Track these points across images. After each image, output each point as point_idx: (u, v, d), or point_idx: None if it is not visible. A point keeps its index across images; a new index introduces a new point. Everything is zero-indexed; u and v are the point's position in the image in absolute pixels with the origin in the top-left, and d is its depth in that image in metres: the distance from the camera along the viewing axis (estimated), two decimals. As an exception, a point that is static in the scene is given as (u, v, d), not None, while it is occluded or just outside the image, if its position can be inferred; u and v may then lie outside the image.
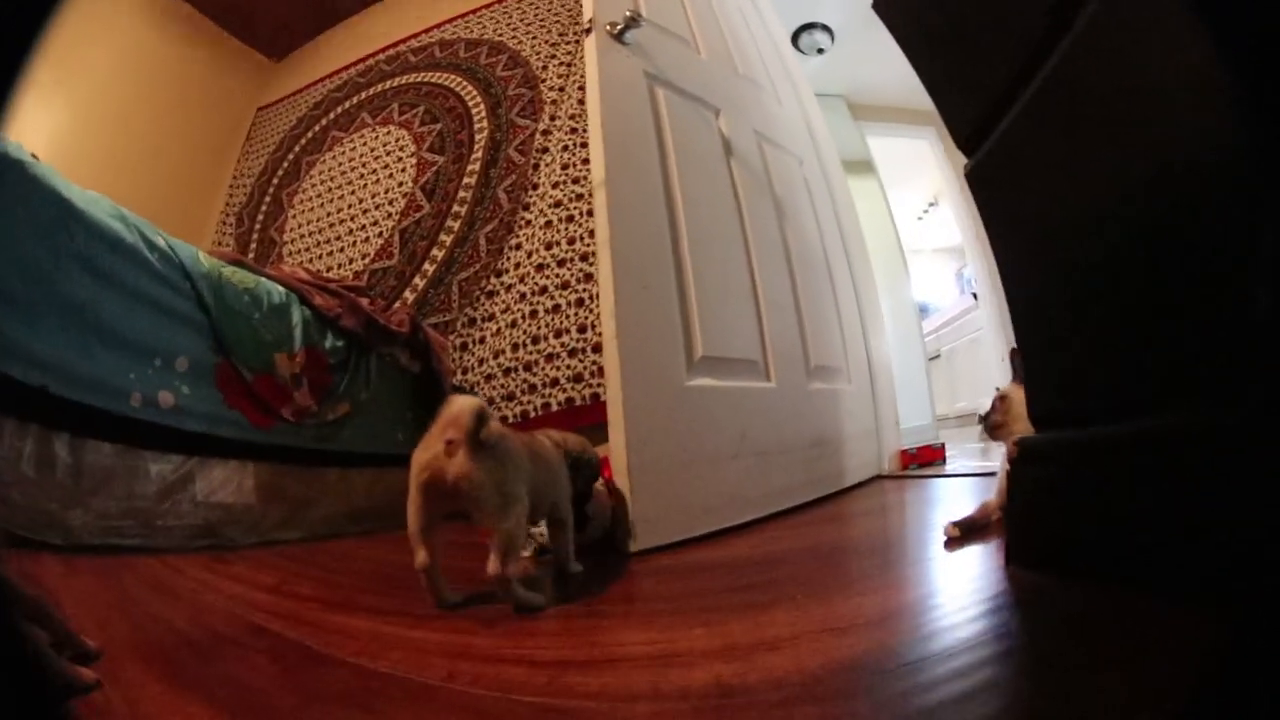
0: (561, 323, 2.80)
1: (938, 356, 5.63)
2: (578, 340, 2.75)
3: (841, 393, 2.45)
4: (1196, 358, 0.74)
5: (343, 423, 2.25)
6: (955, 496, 2.04)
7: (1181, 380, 0.77)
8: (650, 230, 1.82)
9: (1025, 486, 1.03)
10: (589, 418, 2.56)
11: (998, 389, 1.53)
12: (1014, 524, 1.07)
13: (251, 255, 3.88)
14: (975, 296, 5.02)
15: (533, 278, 2.93)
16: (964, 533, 1.30)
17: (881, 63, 4.42)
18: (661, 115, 2.01)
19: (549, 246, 2.95)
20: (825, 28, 4.16)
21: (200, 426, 1.79)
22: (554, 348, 2.78)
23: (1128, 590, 0.80)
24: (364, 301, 2.44)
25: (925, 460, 2.74)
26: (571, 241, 2.92)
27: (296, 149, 4.28)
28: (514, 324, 2.91)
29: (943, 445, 2.86)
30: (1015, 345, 1.37)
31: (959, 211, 4.87)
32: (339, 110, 4.26)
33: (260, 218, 4.16)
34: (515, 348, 2.87)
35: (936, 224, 6.90)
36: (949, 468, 2.66)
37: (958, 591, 1.03)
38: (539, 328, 2.83)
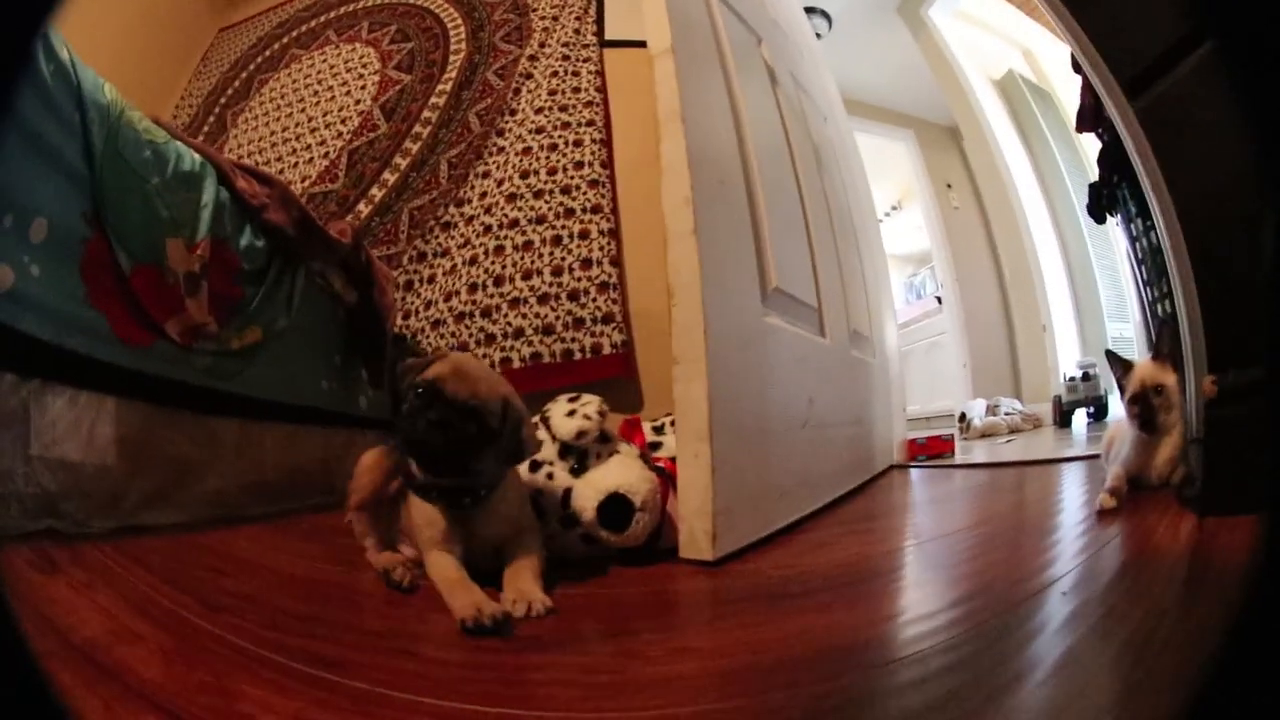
0: (533, 262, 2.26)
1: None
2: (550, 284, 2.21)
3: (871, 366, 2.06)
4: None
5: (250, 355, 1.52)
6: (1009, 486, 1.74)
7: None
8: (716, 120, 1.36)
9: (1229, 427, 0.91)
10: (564, 377, 2.05)
11: (1148, 385, 1.24)
12: (1217, 468, 0.95)
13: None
14: (940, 300, 4.74)
15: (501, 209, 2.39)
16: (1120, 502, 1.15)
17: (871, 61, 4.23)
18: (715, 16, 1.59)
19: (525, 175, 2.42)
20: (825, 14, 3.88)
21: (45, 331, 1.05)
22: (520, 291, 2.23)
23: None
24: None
25: (934, 452, 2.40)
26: (553, 172, 2.39)
27: (251, 67, 3.59)
28: (473, 260, 2.35)
29: (951, 436, 2.52)
30: (1163, 317, 1.37)
31: (929, 216, 4.62)
32: (303, 29, 3.61)
33: (199, 139, 3.45)
34: (473, 289, 2.30)
35: (896, 228, 6.63)
36: (959, 459, 2.38)
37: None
38: (504, 266, 2.28)
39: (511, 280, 2.28)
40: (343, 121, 3.04)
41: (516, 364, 2.16)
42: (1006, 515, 1.43)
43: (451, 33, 3.07)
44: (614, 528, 1.03)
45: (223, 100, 3.60)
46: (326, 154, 2.98)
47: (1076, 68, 1.96)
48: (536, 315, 2.20)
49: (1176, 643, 0.58)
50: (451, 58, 2.96)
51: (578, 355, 2.11)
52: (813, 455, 1.46)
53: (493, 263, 2.32)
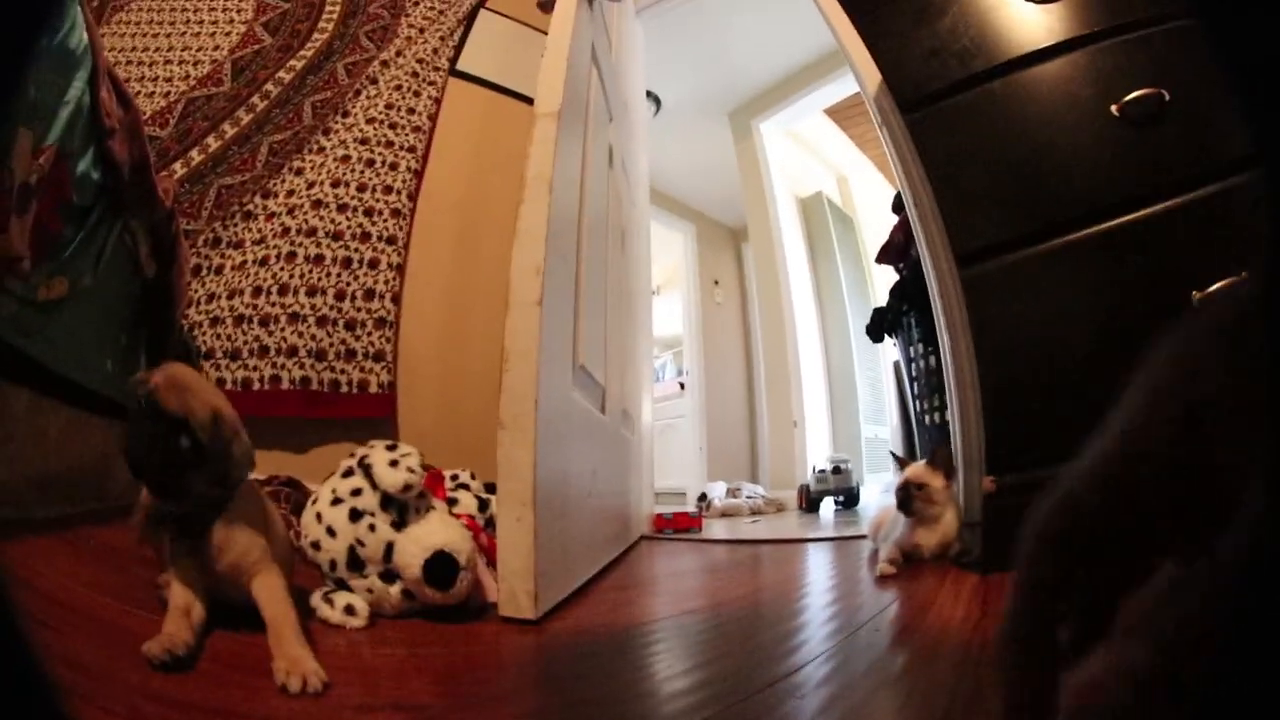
0: (320, 279, 2.10)
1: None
2: (332, 307, 2.07)
3: (632, 442, 2.16)
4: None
5: (52, 310, 1.22)
6: (770, 559, 1.89)
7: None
8: (569, 193, 1.39)
9: (1005, 513, 1.20)
10: (329, 409, 1.96)
11: (911, 480, 1.48)
12: (994, 541, 1.25)
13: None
14: (682, 385, 4.97)
15: (304, 213, 2.21)
16: (898, 569, 1.39)
17: (678, 152, 4.31)
18: (593, 89, 1.64)
19: (336, 184, 2.26)
20: (657, 99, 3.94)
21: None
22: (303, 307, 2.07)
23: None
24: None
25: (681, 526, 2.49)
26: (362, 189, 2.26)
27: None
28: (263, 261, 2.14)
29: (699, 513, 2.66)
30: (929, 425, 1.71)
31: (688, 306, 4.82)
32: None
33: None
34: (257, 292, 2.09)
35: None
36: (707, 534, 2.48)
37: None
38: (292, 276, 2.10)
39: (296, 293, 2.08)
40: (195, 64, 2.62)
41: (285, 385, 2.00)
42: (788, 580, 1.61)
43: (327, 7, 2.79)
44: (440, 585, 1.03)
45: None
46: (168, 94, 2.54)
47: (897, 209, 2.23)
48: (313, 337, 2.04)
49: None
50: (316, 35, 2.67)
51: (344, 388, 2.01)
52: (595, 522, 1.52)
53: (282, 269, 2.11)
